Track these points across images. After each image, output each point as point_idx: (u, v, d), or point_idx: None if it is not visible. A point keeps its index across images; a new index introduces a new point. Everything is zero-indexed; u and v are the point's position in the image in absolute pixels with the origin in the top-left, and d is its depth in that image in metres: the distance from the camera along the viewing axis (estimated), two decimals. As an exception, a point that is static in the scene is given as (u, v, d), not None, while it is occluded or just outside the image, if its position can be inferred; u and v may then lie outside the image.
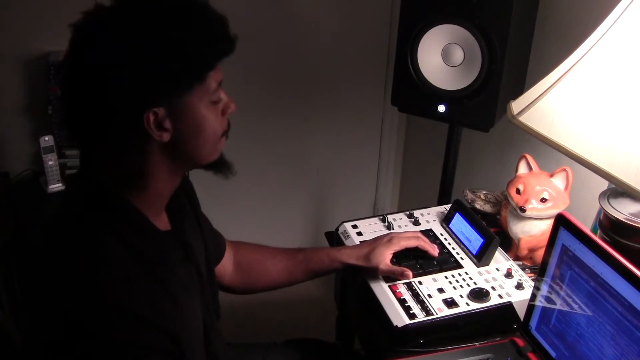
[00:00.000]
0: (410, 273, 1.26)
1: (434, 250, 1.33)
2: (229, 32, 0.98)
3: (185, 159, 1.02)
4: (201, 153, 1.02)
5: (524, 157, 1.37)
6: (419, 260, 1.32)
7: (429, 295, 1.23)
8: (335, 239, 1.48)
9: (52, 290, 0.93)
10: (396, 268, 1.27)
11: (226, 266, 1.36)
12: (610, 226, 1.18)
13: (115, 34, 0.91)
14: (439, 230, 1.45)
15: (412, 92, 1.63)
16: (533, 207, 1.30)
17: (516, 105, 1.20)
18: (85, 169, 1.02)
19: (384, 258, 1.28)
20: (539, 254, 1.25)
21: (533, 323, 1.13)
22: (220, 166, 1.07)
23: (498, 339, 1.18)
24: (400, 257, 1.32)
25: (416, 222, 1.48)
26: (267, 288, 1.40)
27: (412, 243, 1.32)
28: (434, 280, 1.27)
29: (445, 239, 1.41)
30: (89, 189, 0.98)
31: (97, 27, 0.93)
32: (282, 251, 1.39)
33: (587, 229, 1.01)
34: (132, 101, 0.91)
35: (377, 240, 1.33)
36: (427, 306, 1.20)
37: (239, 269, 1.38)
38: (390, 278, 1.28)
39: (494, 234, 1.32)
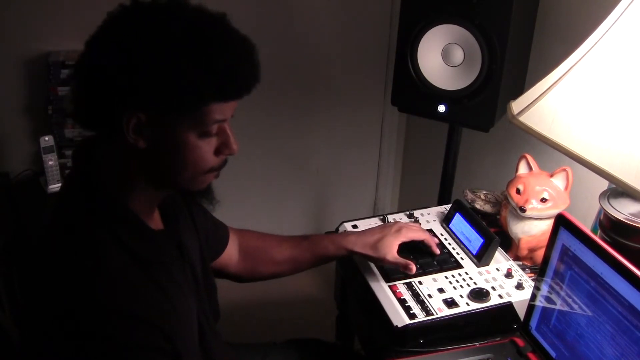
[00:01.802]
0: (414, 267, 1.26)
1: (437, 249, 1.33)
2: (243, 80, 0.94)
3: (162, 178, 0.99)
4: (177, 178, 0.99)
5: (524, 157, 1.37)
6: (419, 260, 1.32)
7: (429, 295, 1.23)
8: (335, 239, 1.48)
9: (49, 290, 0.93)
10: (401, 261, 1.27)
11: (232, 254, 1.36)
12: (610, 226, 1.18)
13: (131, 31, 0.90)
14: (439, 230, 1.45)
15: (412, 92, 1.63)
16: (533, 207, 1.30)
17: (516, 105, 1.20)
18: (78, 168, 1.02)
19: (392, 249, 1.27)
20: (539, 254, 1.25)
21: (533, 323, 1.13)
22: (199, 198, 1.05)
23: (498, 339, 1.18)
24: (401, 255, 1.31)
25: (416, 222, 1.47)
26: (273, 276, 1.39)
27: (419, 235, 1.32)
28: (434, 280, 1.27)
29: (445, 239, 1.41)
30: (83, 188, 0.98)
31: (123, 18, 0.93)
32: (287, 239, 1.39)
33: (587, 229, 1.01)
34: (117, 98, 0.90)
35: (384, 229, 1.31)
36: (427, 306, 1.20)
37: (244, 257, 1.38)
38: (390, 278, 1.28)
39: (494, 234, 1.32)
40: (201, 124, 0.94)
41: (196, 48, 0.89)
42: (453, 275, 1.29)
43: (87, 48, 0.93)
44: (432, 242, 1.33)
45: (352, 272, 1.36)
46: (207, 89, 0.91)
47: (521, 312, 1.18)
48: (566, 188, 1.30)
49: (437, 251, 1.33)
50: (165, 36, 0.89)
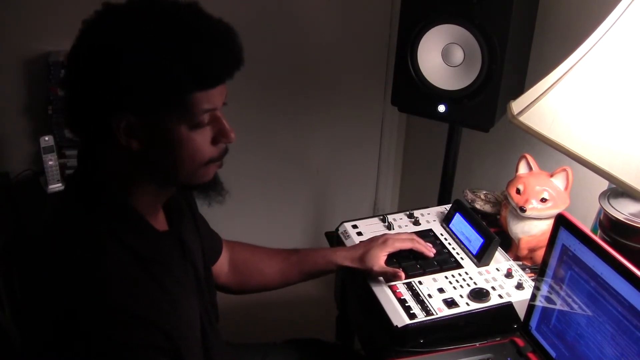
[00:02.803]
0: (402, 275, 1.26)
1: (429, 252, 1.33)
2: (222, 64, 0.94)
3: (163, 175, 0.99)
4: (177, 173, 0.98)
5: (524, 157, 1.37)
6: (419, 260, 1.32)
7: (429, 295, 1.23)
8: (335, 239, 1.48)
9: (50, 289, 0.93)
10: (389, 270, 1.27)
11: (222, 266, 1.36)
12: (610, 226, 1.18)
13: (105, 35, 0.91)
14: (439, 230, 1.45)
15: (412, 92, 1.63)
16: (533, 207, 1.30)
17: (516, 105, 1.20)
18: (83, 168, 1.02)
19: (378, 260, 1.28)
20: (539, 254, 1.25)
21: (533, 323, 1.13)
22: (206, 190, 1.04)
23: (498, 339, 1.18)
24: (400, 257, 1.32)
25: (416, 222, 1.47)
26: (262, 289, 1.40)
27: (406, 245, 1.32)
28: (434, 280, 1.27)
29: (445, 239, 1.41)
30: (87, 187, 0.98)
31: (96, 24, 0.93)
32: (277, 252, 1.39)
33: (587, 229, 1.01)
34: (103, 103, 0.91)
35: (371, 241, 1.33)
36: (427, 306, 1.20)
37: (234, 269, 1.38)
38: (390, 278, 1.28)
39: (494, 234, 1.32)
40: (190, 115, 0.93)
41: (169, 40, 0.89)
42: (453, 275, 1.29)
43: (69, 58, 0.94)
44: (422, 247, 1.33)
45: (352, 272, 1.36)
46: (185, 78, 0.90)
47: (521, 312, 1.18)
48: (566, 188, 1.30)
49: (430, 254, 1.33)
50: (138, 34, 0.89)
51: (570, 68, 1.12)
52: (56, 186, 1.96)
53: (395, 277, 1.26)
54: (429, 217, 1.50)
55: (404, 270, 1.27)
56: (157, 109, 0.92)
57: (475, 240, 1.34)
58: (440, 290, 1.24)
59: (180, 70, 0.89)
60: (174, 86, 0.90)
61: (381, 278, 1.28)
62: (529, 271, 1.33)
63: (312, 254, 1.36)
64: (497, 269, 1.30)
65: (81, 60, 0.92)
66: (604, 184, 1.22)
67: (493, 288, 1.24)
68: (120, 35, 0.89)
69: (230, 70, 0.95)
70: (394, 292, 1.25)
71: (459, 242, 1.39)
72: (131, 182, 0.98)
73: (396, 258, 1.31)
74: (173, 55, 0.89)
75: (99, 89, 0.90)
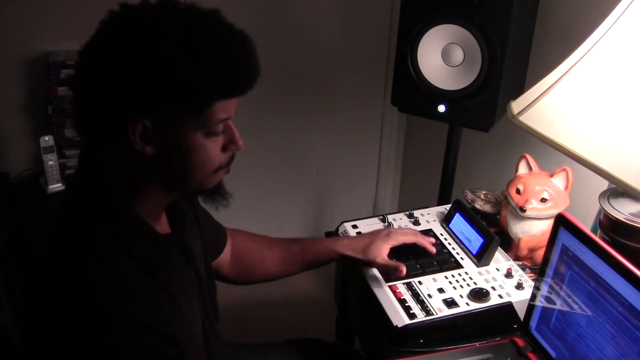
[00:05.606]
0: (404, 268, 1.26)
1: (432, 248, 1.33)
2: (245, 75, 0.94)
3: (173, 181, 0.99)
4: (189, 180, 0.98)
5: (524, 157, 1.37)
6: (419, 260, 1.32)
7: (429, 295, 1.23)
8: (335, 239, 1.48)
9: (53, 297, 0.92)
10: (391, 263, 1.27)
11: (226, 255, 1.36)
12: (610, 226, 1.18)
13: (127, 39, 0.89)
14: (439, 230, 1.45)
15: (412, 92, 1.63)
16: (533, 207, 1.30)
17: (516, 105, 1.20)
18: (84, 171, 1.02)
19: (381, 252, 1.28)
20: (539, 254, 1.25)
21: (533, 323, 1.13)
22: (212, 195, 1.04)
23: (498, 339, 1.18)
24: (400, 257, 1.32)
25: (416, 222, 1.48)
26: (263, 279, 1.39)
27: (410, 239, 1.32)
28: (434, 280, 1.27)
29: (445, 239, 1.41)
30: (89, 191, 0.98)
31: (115, 26, 0.92)
32: (279, 242, 1.39)
33: (587, 229, 1.01)
34: (120, 108, 0.90)
35: (375, 233, 1.33)
36: (427, 306, 1.20)
37: (235, 258, 1.38)
38: (391, 278, 1.28)
39: (494, 234, 1.32)
40: (207, 124, 0.94)
41: (195, 49, 0.88)
42: (453, 275, 1.29)
43: (83, 58, 0.92)
44: (425, 242, 1.33)
45: (352, 272, 1.36)
46: (210, 88, 0.90)
47: (521, 312, 1.18)
48: (566, 188, 1.30)
49: (433, 250, 1.33)
50: (162, 40, 0.88)
51: (570, 68, 1.12)
52: (56, 186, 1.96)
53: (397, 271, 1.26)
54: (429, 217, 1.50)
55: (403, 270, 1.28)
56: (176, 116, 0.91)
57: (475, 240, 1.34)
58: (440, 290, 1.24)
59: (204, 79, 0.89)
60: (196, 95, 0.90)
61: (378, 275, 1.28)
62: (529, 271, 1.33)
63: (313, 243, 1.36)
64: (497, 269, 1.30)
65: (99, 62, 0.90)
66: (604, 184, 1.22)
67: (493, 288, 1.24)
68: (143, 40, 0.88)
69: (252, 81, 0.95)
70: (394, 292, 1.25)
71: (459, 242, 1.39)
72: (137, 186, 0.98)
73: (396, 257, 1.31)
74: (199, 63, 0.88)
75: (118, 94, 0.88)
